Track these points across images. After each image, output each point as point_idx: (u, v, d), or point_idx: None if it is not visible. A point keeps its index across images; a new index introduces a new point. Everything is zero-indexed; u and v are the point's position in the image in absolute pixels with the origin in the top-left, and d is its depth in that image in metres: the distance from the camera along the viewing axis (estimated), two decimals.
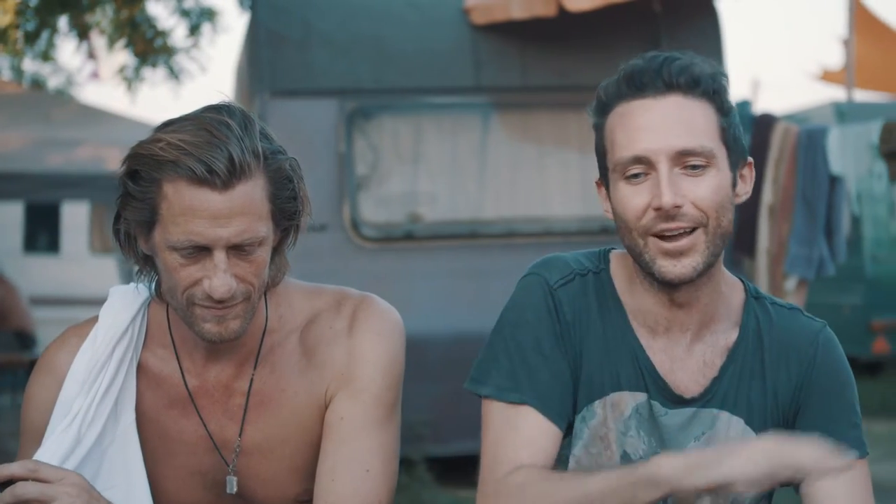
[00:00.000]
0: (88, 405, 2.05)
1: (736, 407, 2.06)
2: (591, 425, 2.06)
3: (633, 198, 1.97)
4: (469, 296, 6.99)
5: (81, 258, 13.76)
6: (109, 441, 2.07)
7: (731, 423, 2.06)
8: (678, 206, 1.93)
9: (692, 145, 1.95)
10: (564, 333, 2.06)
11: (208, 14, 9.92)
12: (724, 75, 2.02)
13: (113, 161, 9.33)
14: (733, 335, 2.09)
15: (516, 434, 2.00)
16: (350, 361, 2.09)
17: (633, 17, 7.02)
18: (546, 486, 1.92)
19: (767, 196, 7.06)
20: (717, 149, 1.98)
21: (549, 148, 7.24)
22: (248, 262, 1.94)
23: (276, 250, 2.04)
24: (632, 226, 1.97)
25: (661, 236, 1.95)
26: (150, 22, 9.50)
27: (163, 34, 9.53)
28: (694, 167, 1.95)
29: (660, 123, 1.95)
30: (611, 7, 6.62)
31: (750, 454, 1.78)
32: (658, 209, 1.93)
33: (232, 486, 2.10)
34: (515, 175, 7.20)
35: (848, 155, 6.75)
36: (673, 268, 1.95)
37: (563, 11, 6.59)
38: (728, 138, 2.00)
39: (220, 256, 1.91)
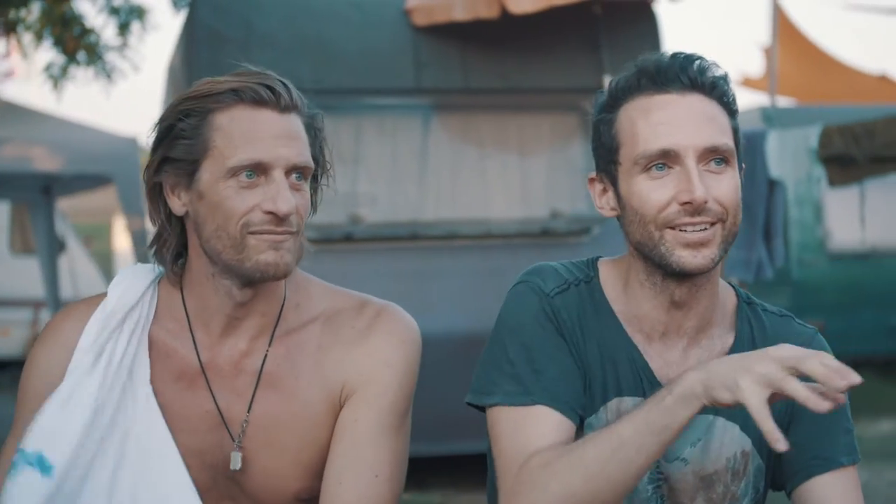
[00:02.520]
0: (104, 372, 2.03)
1: (732, 413, 2.04)
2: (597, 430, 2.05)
3: (656, 191, 1.96)
4: (410, 298, 6.91)
5: (1, 258, 13.49)
6: (131, 421, 2.03)
7: (726, 429, 2.06)
8: (706, 201, 1.94)
9: (719, 143, 1.97)
10: (567, 337, 2.04)
11: (137, 12, 9.74)
12: (730, 80, 2.04)
13: (38, 160, 9.13)
14: (729, 340, 2.09)
15: (529, 431, 1.96)
16: (370, 364, 2.08)
17: (573, 21, 7.05)
18: (571, 455, 1.87)
19: None
20: (734, 149, 2.00)
21: (490, 150, 7.23)
22: (300, 193, 2.00)
23: None
24: (649, 219, 1.97)
25: (683, 229, 1.95)
26: (78, 19, 9.30)
27: (93, 31, 9.34)
28: (718, 163, 1.97)
29: (687, 119, 1.96)
30: (552, 10, 6.64)
31: (755, 377, 1.71)
32: (686, 203, 1.94)
33: (236, 461, 2.06)
34: (456, 177, 7.18)
35: (786, 159, 6.83)
36: (693, 258, 1.96)
37: (504, 14, 6.60)
38: (738, 141, 2.03)
39: (280, 176, 1.96)
